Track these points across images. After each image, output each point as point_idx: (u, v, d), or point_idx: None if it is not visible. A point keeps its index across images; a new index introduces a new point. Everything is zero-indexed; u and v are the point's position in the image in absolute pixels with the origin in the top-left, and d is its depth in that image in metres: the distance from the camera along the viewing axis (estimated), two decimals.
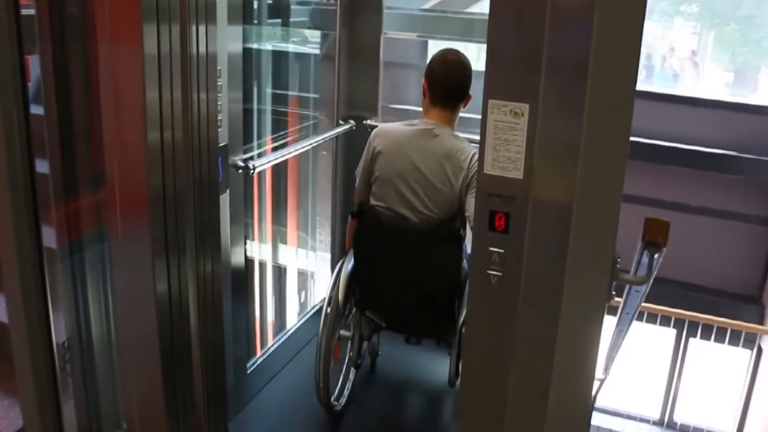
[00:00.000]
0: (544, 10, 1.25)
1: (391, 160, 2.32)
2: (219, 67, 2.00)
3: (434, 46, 3.67)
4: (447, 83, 2.32)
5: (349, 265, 2.48)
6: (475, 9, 4.38)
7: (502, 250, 1.41)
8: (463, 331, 2.15)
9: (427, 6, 3.70)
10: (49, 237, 1.93)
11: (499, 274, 1.43)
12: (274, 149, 2.90)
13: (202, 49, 1.84)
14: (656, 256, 1.34)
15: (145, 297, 1.84)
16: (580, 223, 1.32)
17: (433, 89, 2.33)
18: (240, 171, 2.30)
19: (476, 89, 2.28)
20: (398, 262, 2.35)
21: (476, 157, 2.28)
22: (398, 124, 2.39)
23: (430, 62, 2.38)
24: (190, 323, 1.99)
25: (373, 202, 2.38)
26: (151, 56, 1.68)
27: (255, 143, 2.67)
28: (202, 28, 1.82)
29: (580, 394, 1.46)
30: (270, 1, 2.86)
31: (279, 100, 3.03)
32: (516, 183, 1.36)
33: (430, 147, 2.29)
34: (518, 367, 1.48)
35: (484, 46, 1.33)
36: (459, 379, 2.44)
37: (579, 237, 1.33)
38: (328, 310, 2.42)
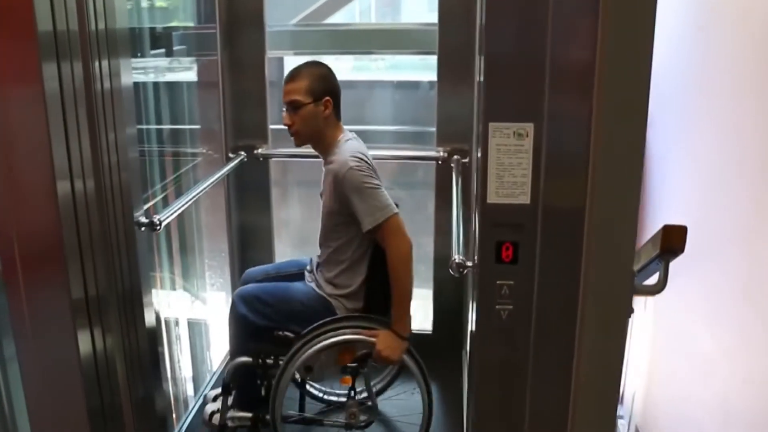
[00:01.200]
0: (546, 20, 1.16)
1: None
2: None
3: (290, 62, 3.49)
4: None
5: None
6: (334, 19, 4.25)
7: (511, 282, 1.31)
8: None
9: (293, 21, 3.52)
10: None
11: (510, 307, 1.32)
12: (165, 197, 2.60)
13: (107, 85, 1.58)
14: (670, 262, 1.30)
15: (68, 363, 1.58)
16: (595, 241, 1.24)
17: (338, 103, 2.25)
18: (143, 228, 1.98)
19: None
20: None
21: None
22: (355, 144, 2.25)
23: (330, 78, 2.24)
24: (119, 386, 1.75)
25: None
26: (54, 97, 1.40)
27: (149, 192, 2.37)
28: (105, 63, 1.55)
29: (606, 419, 1.38)
30: (149, 30, 2.56)
31: (164, 137, 2.73)
32: (523, 209, 1.26)
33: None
34: (534, 403, 1.38)
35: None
36: None
37: (595, 256, 1.25)
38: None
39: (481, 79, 1.24)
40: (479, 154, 1.27)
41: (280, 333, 2.24)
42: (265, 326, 2.25)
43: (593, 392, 1.35)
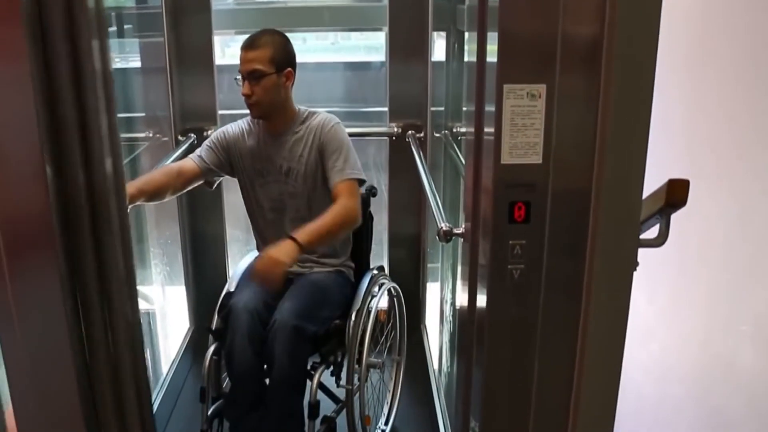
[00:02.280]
0: None
1: None
2: None
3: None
4: None
5: None
6: None
7: (523, 241, 1.34)
8: None
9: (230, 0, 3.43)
10: None
11: (522, 266, 1.36)
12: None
13: (97, 66, 1.49)
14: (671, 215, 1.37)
15: (59, 354, 1.47)
16: (604, 197, 1.29)
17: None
18: None
19: None
20: None
21: None
22: None
23: (291, 49, 2.20)
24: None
25: None
26: (41, 77, 1.32)
27: None
28: (95, 43, 1.47)
29: (611, 370, 1.44)
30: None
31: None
32: (535, 169, 1.30)
33: None
34: (543, 358, 1.43)
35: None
36: None
37: (603, 211, 1.30)
38: None
39: (492, 48, 1.27)
40: (492, 121, 1.29)
41: (331, 326, 2.21)
42: (325, 330, 2.18)
43: (600, 344, 1.41)
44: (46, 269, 1.42)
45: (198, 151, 2.29)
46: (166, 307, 3.14)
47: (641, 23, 1.21)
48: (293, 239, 2.03)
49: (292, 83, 2.18)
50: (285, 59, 2.14)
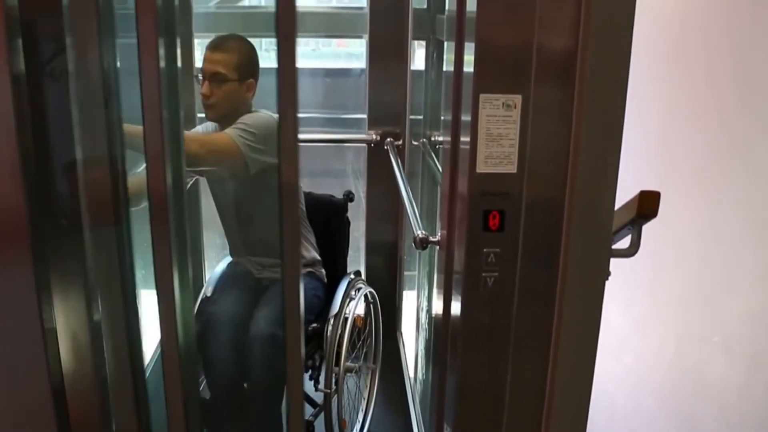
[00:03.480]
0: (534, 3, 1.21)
1: None
2: None
3: None
4: None
5: None
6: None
7: (497, 249, 1.36)
8: None
9: (212, 3, 3.43)
10: None
11: (495, 274, 1.37)
12: None
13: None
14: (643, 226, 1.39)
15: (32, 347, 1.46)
16: (576, 207, 1.31)
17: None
18: None
19: None
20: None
21: None
22: None
23: (257, 59, 2.17)
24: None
25: None
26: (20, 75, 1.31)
27: None
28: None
29: (584, 377, 1.46)
30: None
31: None
32: (509, 178, 1.31)
33: None
34: (516, 366, 1.44)
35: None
36: None
37: (576, 221, 1.32)
38: None
39: (469, 58, 1.28)
40: (468, 130, 1.31)
41: (309, 330, 2.24)
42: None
43: (572, 351, 1.42)
44: (20, 267, 1.41)
45: None
46: (140, 311, 3.11)
47: (615, 36, 1.23)
48: None
49: (253, 94, 2.16)
50: (249, 69, 2.12)
